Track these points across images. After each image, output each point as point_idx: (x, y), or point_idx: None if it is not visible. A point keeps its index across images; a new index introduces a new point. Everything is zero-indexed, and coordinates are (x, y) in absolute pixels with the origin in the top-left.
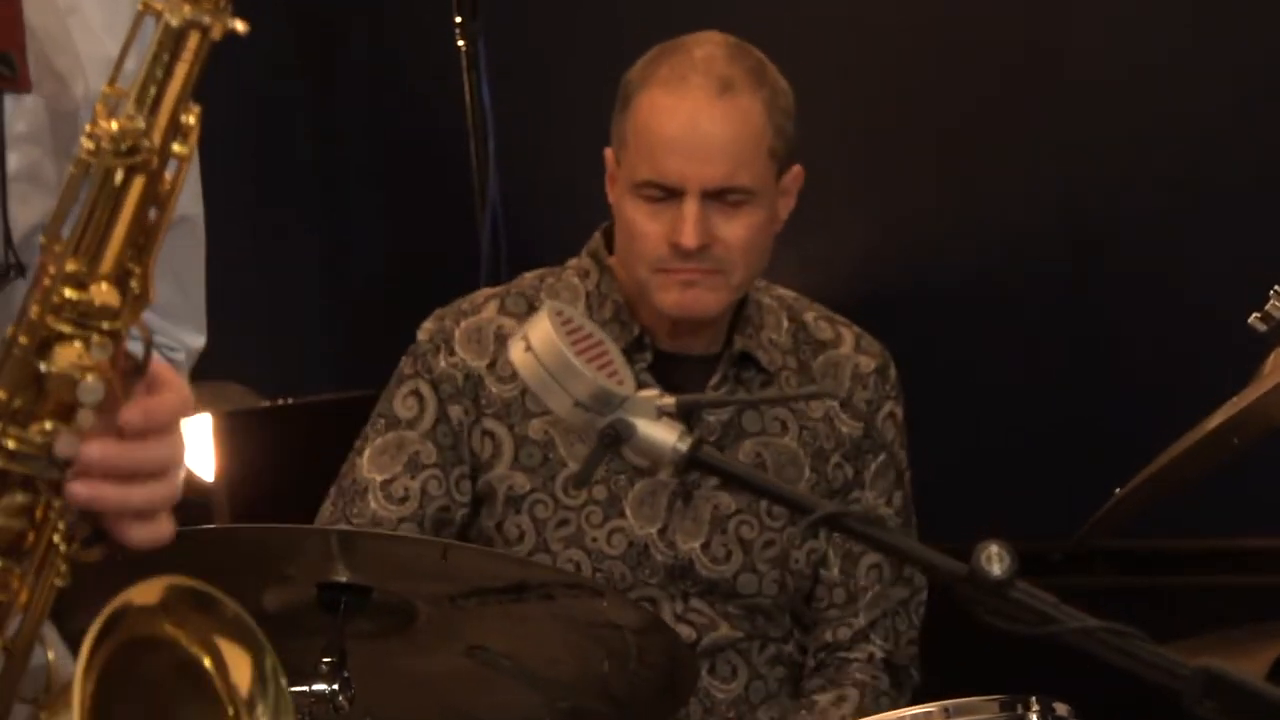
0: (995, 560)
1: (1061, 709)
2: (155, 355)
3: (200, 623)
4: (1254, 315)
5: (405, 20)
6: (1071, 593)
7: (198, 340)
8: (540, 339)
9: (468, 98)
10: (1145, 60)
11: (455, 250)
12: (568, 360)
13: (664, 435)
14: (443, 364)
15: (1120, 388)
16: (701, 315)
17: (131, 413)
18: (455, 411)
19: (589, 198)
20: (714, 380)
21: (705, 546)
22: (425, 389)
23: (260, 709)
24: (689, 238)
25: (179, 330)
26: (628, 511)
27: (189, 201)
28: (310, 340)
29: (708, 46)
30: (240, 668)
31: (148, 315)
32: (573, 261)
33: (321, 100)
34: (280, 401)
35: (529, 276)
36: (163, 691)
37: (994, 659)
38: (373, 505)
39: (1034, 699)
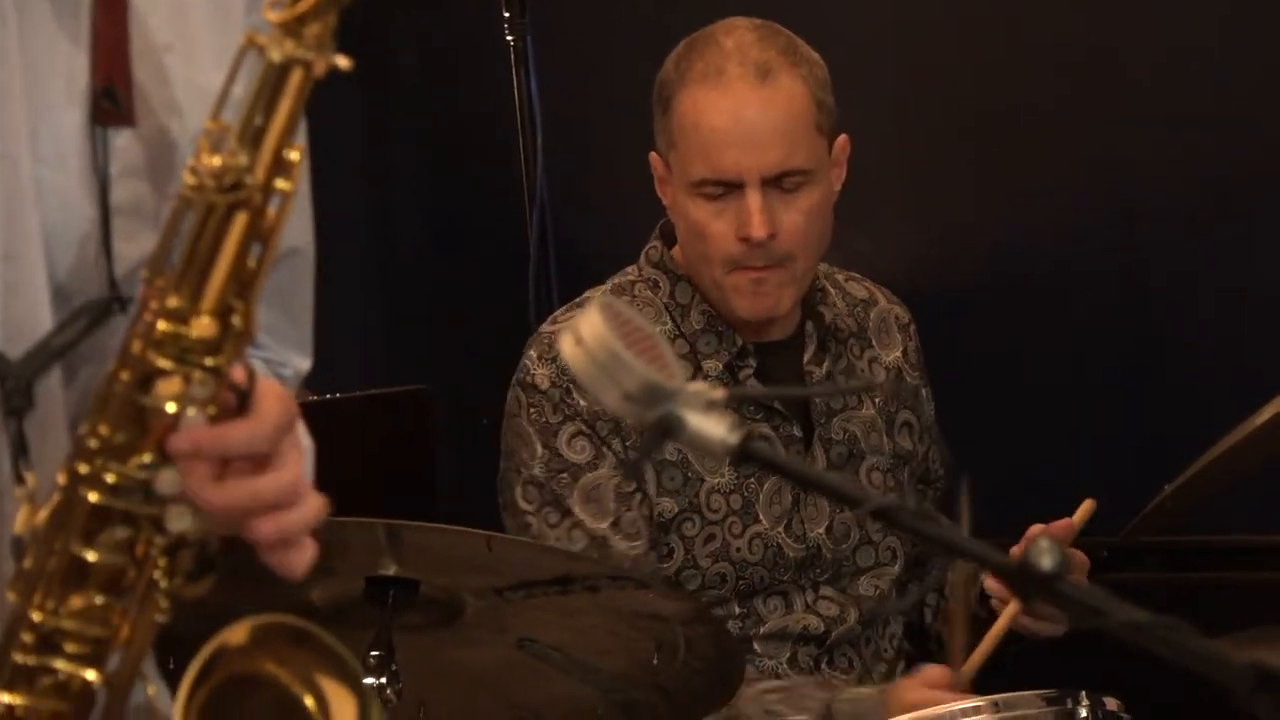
0: (1046, 554)
1: (1111, 704)
2: (264, 374)
3: (300, 660)
4: None
5: (454, 15)
6: (1120, 588)
7: (304, 363)
8: (591, 332)
9: (516, 93)
10: (1194, 58)
11: (502, 247)
12: (617, 353)
13: (713, 428)
14: (584, 403)
15: (1169, 383)
16: (777, 315)
17: (195, 438)
18: (616, 445)
19: (636, 194)
20: (807, 357)
21: (829, 529)
22: (585, 428)
23: None
24: (758, 228)
25: (286, 352)
26: (760, 514)
27: (299, 234)
28: (355, 336)
29: (736, 34)
30: (341, 707)
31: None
32: (631, 271)
33: (370, 95)
34: (326, 396)
35: (595, 294)
36: None
37: (1043, 655)
38: (624, 548)
39: (1084, 693)
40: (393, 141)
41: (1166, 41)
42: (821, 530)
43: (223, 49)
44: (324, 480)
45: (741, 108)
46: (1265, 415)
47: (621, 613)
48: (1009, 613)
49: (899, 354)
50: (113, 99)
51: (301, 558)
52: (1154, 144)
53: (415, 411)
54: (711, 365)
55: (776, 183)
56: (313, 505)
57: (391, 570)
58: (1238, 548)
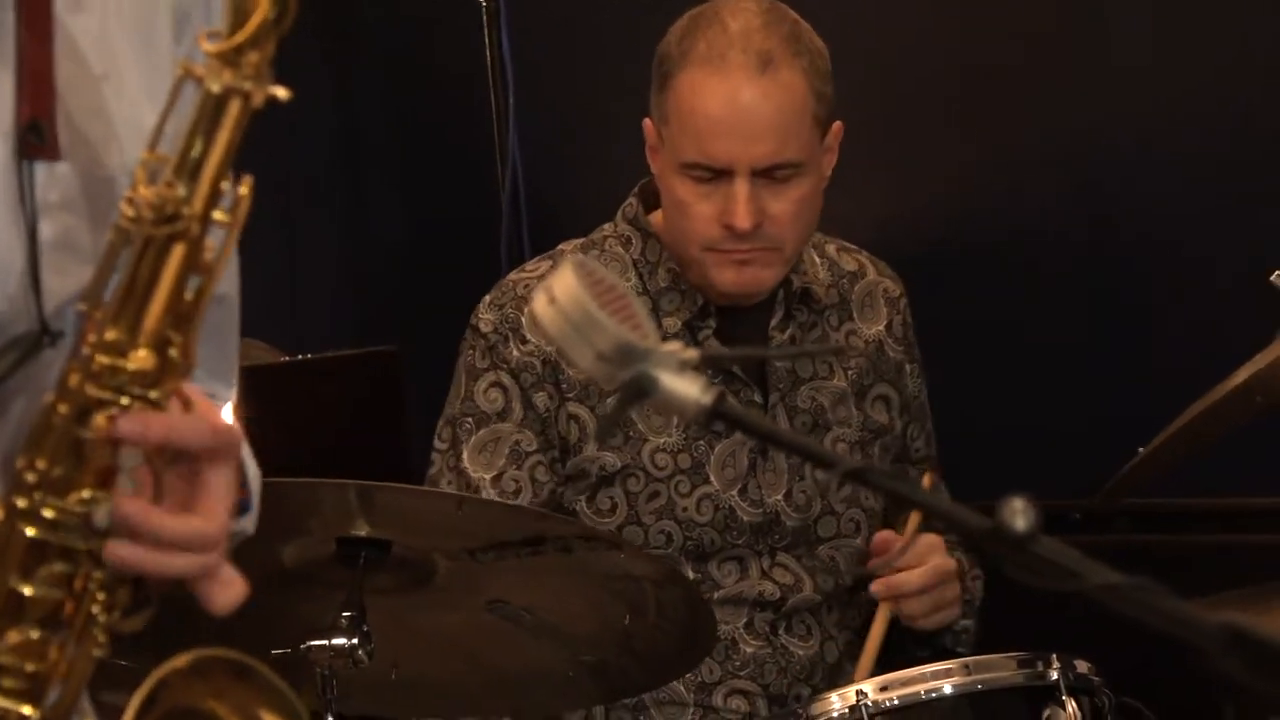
0: (1019, 515)
1: (1082, 666)
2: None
3: (239, 693)
4: (1276, 273)
5: None
6: (1091, 551)
7: (229, 392)
8: (564, 292)
9: (488, 53)
10: (1171, 29)
11: (475, 208)
12: (591, 313)
13: (687, 389)
14: (516, 353)
15: (1143, 346)
16: (758, 292)
17: (145, 421)
18: (540, 399)
19: (610, 157)
20: (774, 322)
21: (787, 496)
22: (506, 379)
23: None
24: (743, 220)
25: (213, 382)
26: (711, 476)
27: (227, 282)
28: (330, 296)
29: (743, 16)
30: None
31: None
32: (607, 228)
33: (340, 57)
34: (300, 357)
35: (567, 247)
36: None
37: (1015, 617)
38: (455, 492)
39: (1054, 656)
40: (363, 102)
41: (1145, 7)
42: (779, 496)
43: (151, 80)
44: (297, 439)
45: (738, 96)
46: (1239, 378)
47: (593, 574)
48: (882, 616)
49: (882, 328)
50: (38, 133)
51: (225, 594)
52: (1127, 110)
53: (385, 373)
54: (671, 323)
55: (767, 173)
56: (217, 557)
57: (363, 531)
58: (1209, 511)
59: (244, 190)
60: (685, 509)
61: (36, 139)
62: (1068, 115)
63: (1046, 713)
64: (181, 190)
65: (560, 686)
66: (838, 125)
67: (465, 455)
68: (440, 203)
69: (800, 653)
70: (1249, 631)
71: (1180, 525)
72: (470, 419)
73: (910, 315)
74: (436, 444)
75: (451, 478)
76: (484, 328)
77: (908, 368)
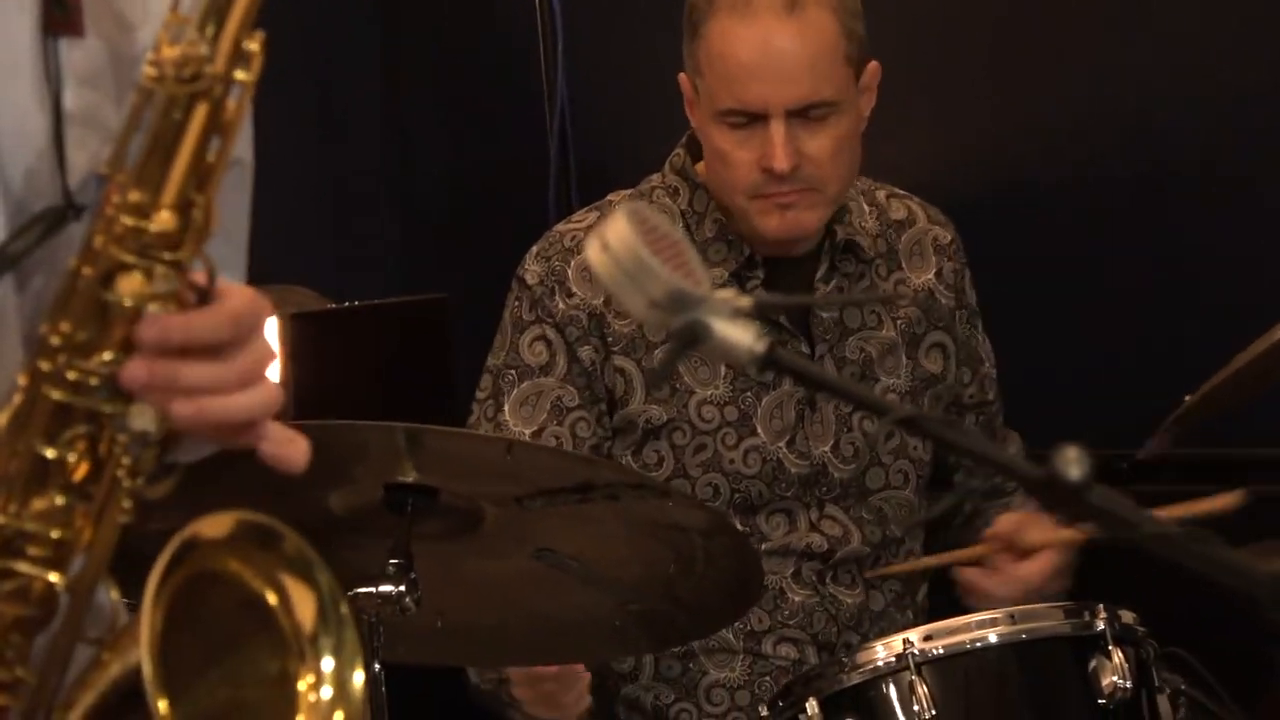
0: (1074, 464)
1: (1127, 616)
2: (221, 278)
3: (264, 559)
4: None
5: None
6: (1139, 501)
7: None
8: (617, 239)
9: (537, 3)
10: None
11: (523, 156)
12: (644, 260)
13: (740, 336)
14: (562, 306)
15: (1190, 294)
16: (804, 236)
17: (163, 325)
18: (585, 352)
19: (657, 105)
20: (820, 273)
21: (835, 448)
22: (551, 333)
23: (324, 645)
24: (780, 161)
25: (223, 276)
26: (759, 428)
27: (241, 145)
28: (377, 244)
29: None
30: (304, 605)
31: None
32: (654, 178)
33: (388, 5)
34: (347, 304)
35: (616, 198)
36: (227, 627)
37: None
38: (505, 436)
39: (1100, 606)
40: (411, 51)
41: None
42: (827, 449)
43: None
44: (344, 388)
45: (768, 40)
46: None
47: (640, 523)
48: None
49: (931, 275)
50: (61, 5)
51: (294, 452)
52: (1172, 50)
53: (433, 321)
54: (718, 273)
55: (802, 114)
56: (265, 392)
57: (411, 477)
58: (1258, 460)
59: (254, 46)
60: (732, 461)
61: (61, 13)
62: (1119, 52)
63: (1092, 663)
64: (204, 49)
65: (607, 635)
66: (874, 65)
67: (506, 408)
68: (488, 151)
69: (849, 601)
70: None
71: (1229, 475)
72: (513, 371)
73: (964, 260)
74: (478, 394)
75: (489, 429)
76: (530, 280)
77: (958, 313)
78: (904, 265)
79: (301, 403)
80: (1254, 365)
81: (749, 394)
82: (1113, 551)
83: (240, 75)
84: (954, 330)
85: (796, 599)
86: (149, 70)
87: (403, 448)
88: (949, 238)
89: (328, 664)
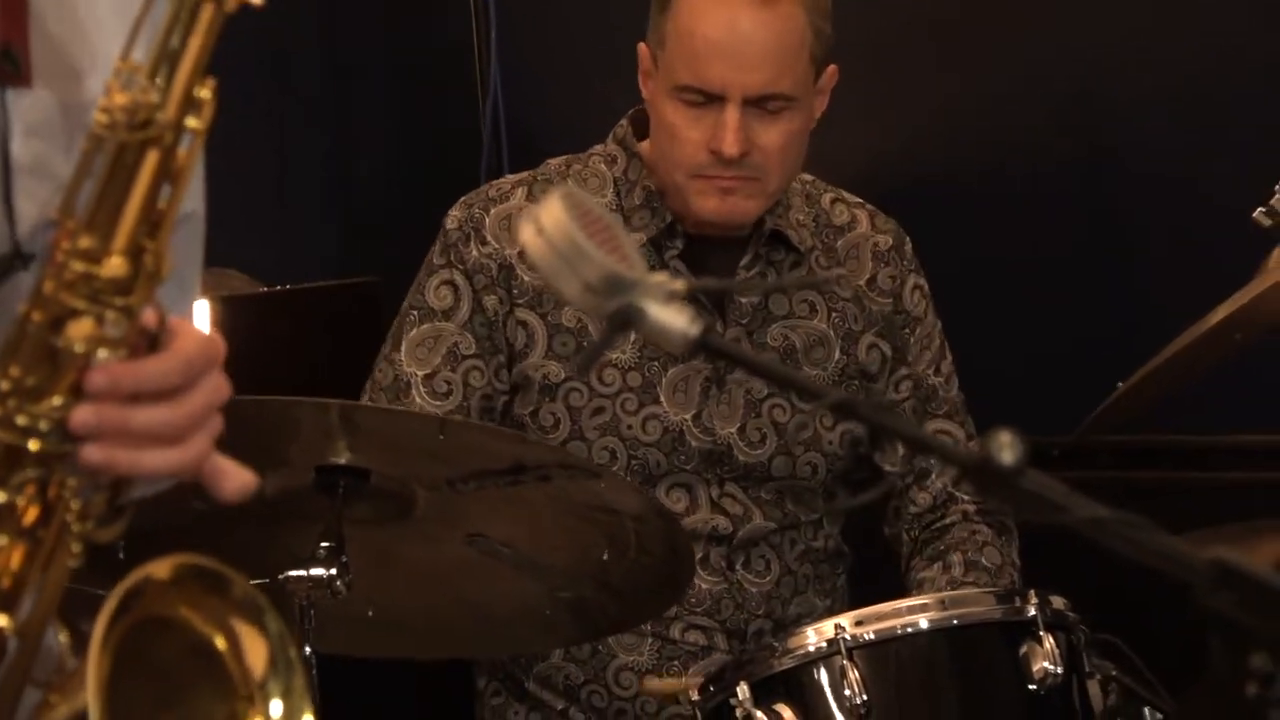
0: (1007, 448)
1: (1058, 602)
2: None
3: (213, 604)
4: (1258, 210)
5: None
6: (1071, 488)
7: None
8: (551, 221)
9: None
10: None
11: (455, 139)
12: (578, 243)
13: (674, 320)
14: (475, 253)
15: (1126, 281)
16: (740, 222)
17: (111, 374)
18: (490, 301)
19: (590, 86)
20: (744, 260)
21: (741, 431)
22: (459, 279)
23: (272, 689)
24: (731, 146)
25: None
26: (662, 398)
27: (192, 198)
28: (310, 227)
29: None
30: (254, 650)
31: None
32: (598, 147)
33: None
34: (279, 287)
35: (554, 162)
36: (176, 673)
37: None
38: (418, 401)
39: (1031, 592)
40: (349, 32)
41: None
42: (733, 430)
43: (132, 4)
44: (276, 371)
45: (737, 23)
46: (1219, 315)
47: (573, 506)
48: None
49: (862, 282)
50: (10, 59)
51: (231, 482)
52: (1115, 38)
53: (366, 304)
54: (637, 238)
55: (759, 103)
56: (213, 431)
57: (343, 458)
58: (1190, 448)
59: (205, 94)
60: (630, 427)
61: (9, 65)
62: (1053, 45)
63: (1024, 648)
64: (155, 96)
65: (538, 624)
66: (832, 69)
67: (403, 347)
68: (423, 134)
69: (754, 589)
70: (1237, 567)
71: (1160, 461)
72: (416, 312)
73: (911, 267)
74: (388, 335)
75: (384, 367)
76: (449, 224)
77: (895, 319)
78: (841, 267)
79: (235, 386)
80: (1186, 353)
81: (655, 363)
82: (1043, 538)
83: (192, 123)
84: (891, 336)
85: (704, 586)
86: (100, 117)
87: (336, 426)
88: (889, 243)
89: (276, 708)
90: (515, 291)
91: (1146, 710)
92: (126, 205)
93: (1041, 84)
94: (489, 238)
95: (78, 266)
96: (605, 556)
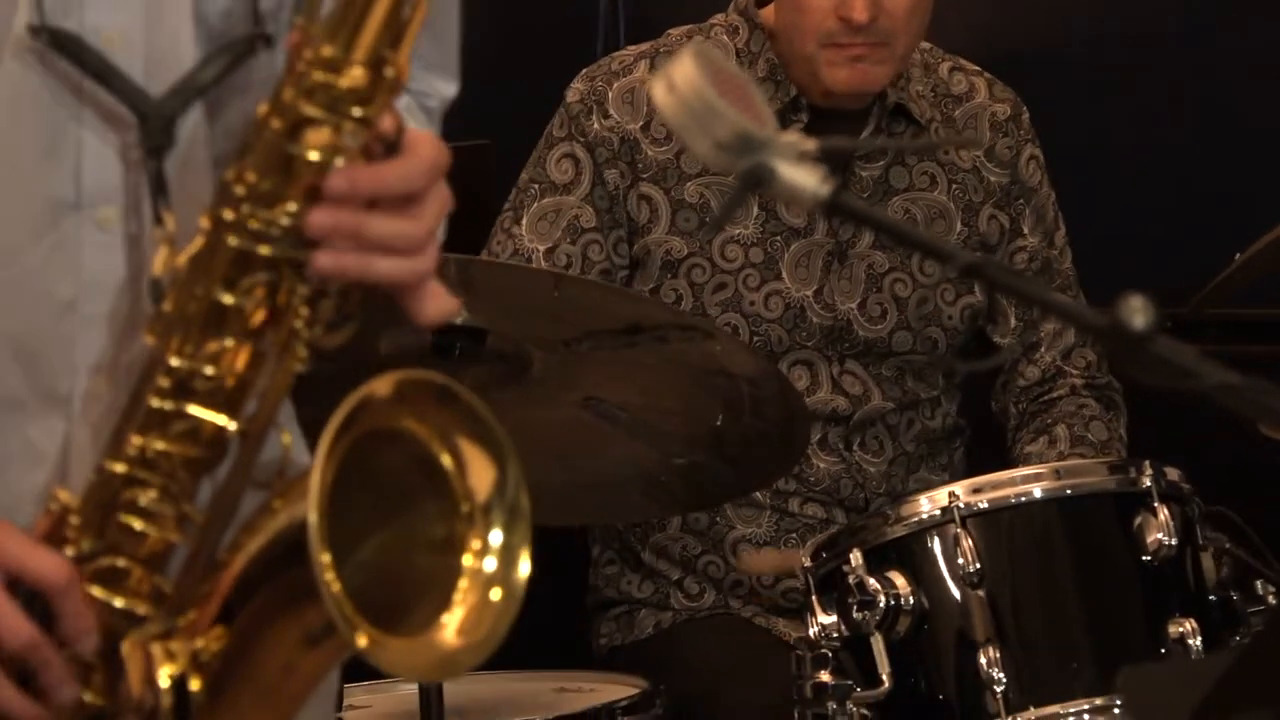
0: (1139, 313)
1: (1173, 474)
2: (410, 120)
3: (442, 419)
4: None
5: None
6: None
7: (450, 88)
8: (683, 78)
9: None
10: None
11: (571, 3)
12: (710, 100)
13: (805, 179)
14: (597, 126)
15: (1242, 152)
16: (871, 91)
17: (352, 177)
18: (612, 175)
19: None
20: (866, 133)
21: (862, 306)
22: (580, 152)
23: (495, 514)
24: (860, 11)
25: (433, 77)
26: (784, 274)
27: None
28: None
29: None
30: (479, 470)
31: None
32: (719, 17)
33: None
34: None
35: (675, 33)
36: (399, 486)
37: None
38: (551, 270)
39: (1146, 463)
40: None
41: None
42: (854, 305)
43: None
44: None
45: None
46: None
47: (689, 368)
48: None
49: (980, 153)
50: None
51: (433, 304)
52: None
53: (478, 168)
54: None
55: None
56: (428, 260)
57: (460, 318)
58: None
59: None
60: (753, 304)
61: None
62: None
63: (1138, 519)
64: None
65: (652, 490)
66: None
67: (524, 221)
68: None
69: (872, 469)
70: None
71: (1272, 336)
72: (537, 185)
73: (1028, 137)
74: (504, 208)
75: (502, 239)
76: (570, 97)
77: (1011, 190)
78: (958, 136)
79: None
80: None
81: (778, 238)
82: (1160, 408)
83: None
84: (1008, 207)
85: (822, 465)
86: None
87: (452, 279)
88: (1007, 113)
89: (496, 536)
90: (640, 166)
91: (1259, 583)
92: (370, 14)
93: None
94: (611, 111)
95: (317, 75)
96: (719, 421)
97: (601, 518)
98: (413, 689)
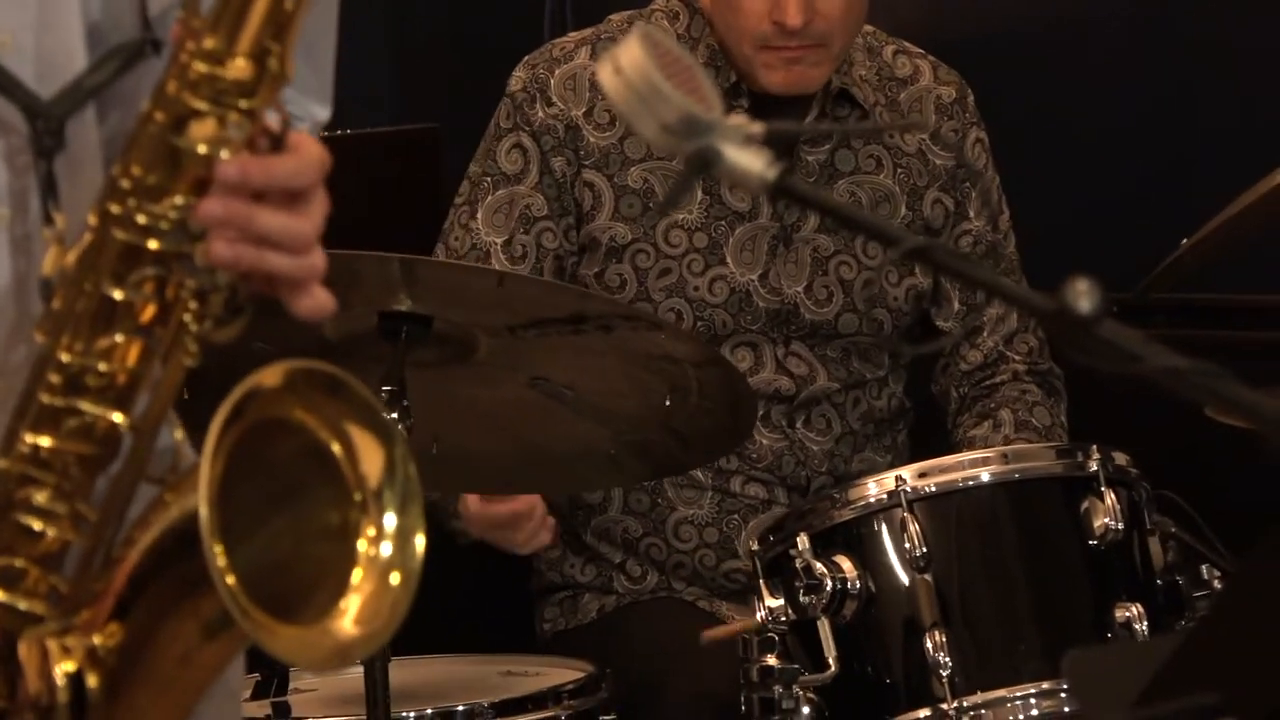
0: (1084, 296)
1: (1121, 458)
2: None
3: (330, 408)
4: None
5: None
6: None
7: (324, 113)
8: (630, 62)
9: None
10: None
11: None
12: (656, 84)
13: (751, 162)
14: (541, 114)
15: (1189, 137)
16: (809, 91)
17: (243, 166)
18: (558, 163)
19: None
20: (810, 118)
21: (808, 289)
22: (527, 141)
23: (387, 498)
24: (793, 17)
25: (308, 102)
26: (728, 258)
27: None
28: (367, 74)
29: None
30: (370, 456)
31: None
32: (660, 2)
33: None
34: (337, 133)
35: (616, 19)
36: (290, 475)
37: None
38: (497, 269)
39: (1094, 447)
40: None
41: None
42: (800, 289)
43: None
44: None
45: None
46: None
47: (634, 354)
48: None
49: (925, 135)
50: None
51: (311, 301)
52: None
53: (425, 151)
54: None
55: None
56: (319, 259)
57: (405, 306)
58: (1249, 307)
59: None
60: (697, 289)
61: None
62: None
63: (1085, 503)
64: None
65: (603, 464)
66: None
67: (480, 215)
68: None
69: (816, 447)
70: None
71: (1219, 320)
72: (489, 179)
73: (973, 120)
74: (455, 200)
75: (460, 235)
76: (513, 85)
77: (957, 173)
78: (903, 120)
79: None
80: (1252, 210)
81: (722, 223)
82: (1107, 393)
83: None
84: (953, 191)
85: (764, 442)
86: None
87: (397, 277)
88: (952, 96)
89: (390, 520)
90: (582, 153)
91: (1205, 567)
92: (253, 6)
93: None
94: (554, 98)
95: (201, 67)
96: (668, 402)
97: (552, 489)
98: (358, 672)
